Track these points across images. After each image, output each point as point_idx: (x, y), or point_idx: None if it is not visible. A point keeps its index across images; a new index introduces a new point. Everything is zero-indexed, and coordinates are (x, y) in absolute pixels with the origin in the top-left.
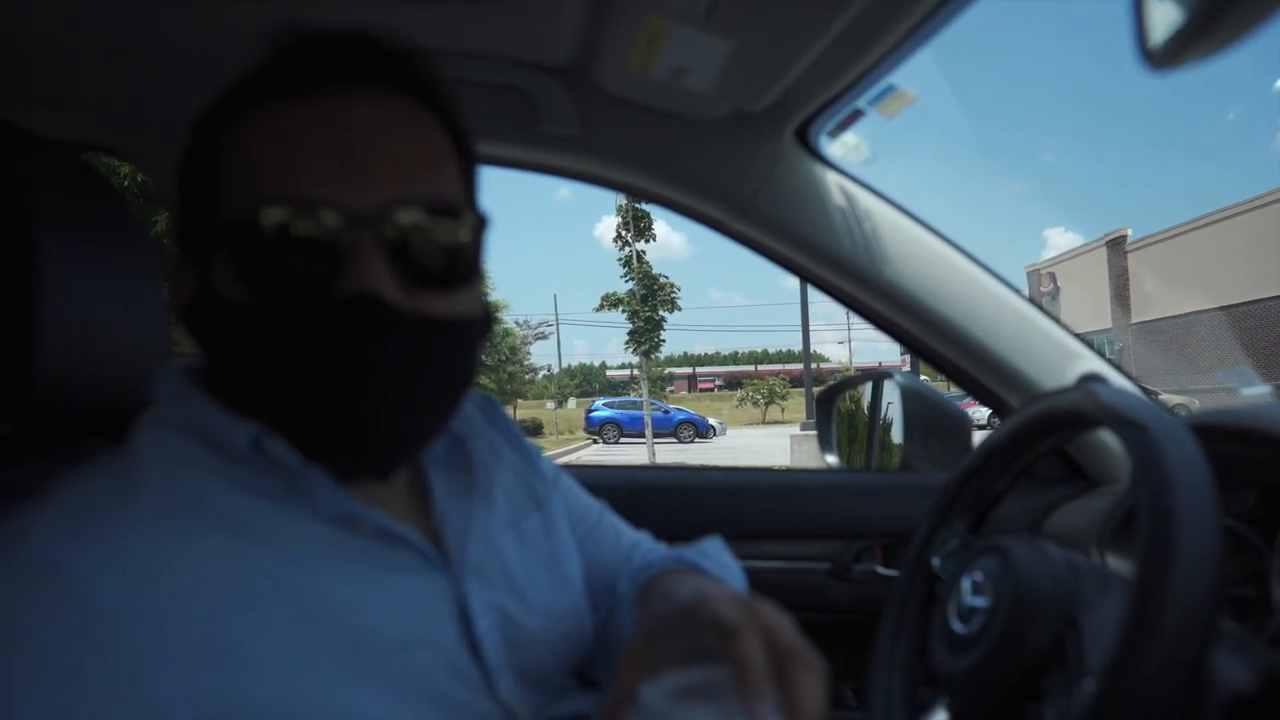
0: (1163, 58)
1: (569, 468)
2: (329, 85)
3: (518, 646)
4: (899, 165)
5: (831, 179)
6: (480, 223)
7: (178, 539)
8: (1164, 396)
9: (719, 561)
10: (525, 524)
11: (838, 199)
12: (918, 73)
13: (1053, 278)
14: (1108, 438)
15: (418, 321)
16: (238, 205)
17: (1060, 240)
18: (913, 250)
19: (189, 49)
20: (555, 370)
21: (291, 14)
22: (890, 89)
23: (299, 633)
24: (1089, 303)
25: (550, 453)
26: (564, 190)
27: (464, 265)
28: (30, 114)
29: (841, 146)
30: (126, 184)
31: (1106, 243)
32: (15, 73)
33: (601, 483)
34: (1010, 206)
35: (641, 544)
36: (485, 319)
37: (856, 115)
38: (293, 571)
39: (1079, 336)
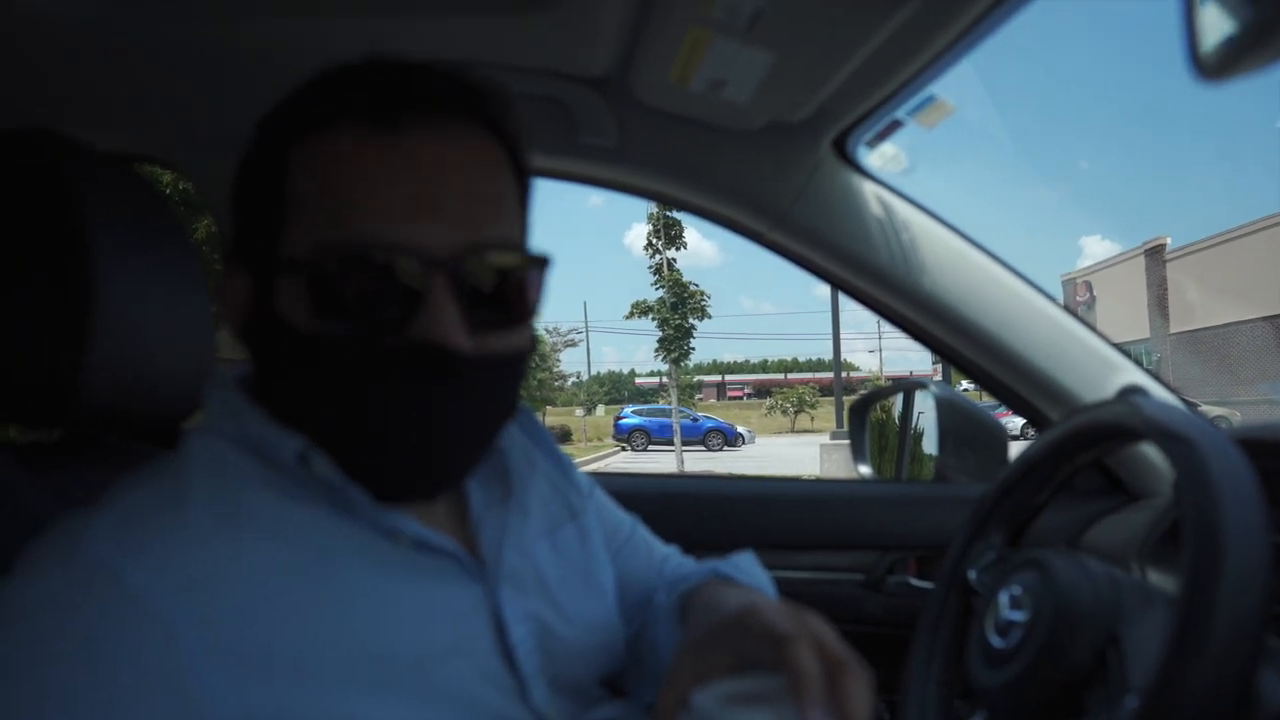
0: (1214, 69)
1: (598, 476)
2: (411, 120)
3: (551, 655)
4: (932, 172)
5: (869, 189)
6: (543, 262)
7: (226, 550)
8: (1204, 408)
9: (751, 574)
10: (560, 534)
11: (875, 209)
12: (952, 77)
13: (1089, 287)
14: (1149, 450)
15: (482, 365)
16: (314, 239)
17: (1097, 248)
18: (950, 260)
19: (232, 61)
20: (584, 377)
21: (333, 30)
22: (930, 99)
23: (340, 645)
24: (1126, 312)
25: (579, 459)
26: (595, 198)
27: (527, 304)
28: (77, 126)
29: (879, 157)
30: (168, 192)
31: (1145, 251)
32: (63, 87)
33: (631, 491)
34: (1045, 214)
35: (672, 558)
36: (533, 346)
37: (895, 126)
38: (335, 583)
39: (1117, 347)
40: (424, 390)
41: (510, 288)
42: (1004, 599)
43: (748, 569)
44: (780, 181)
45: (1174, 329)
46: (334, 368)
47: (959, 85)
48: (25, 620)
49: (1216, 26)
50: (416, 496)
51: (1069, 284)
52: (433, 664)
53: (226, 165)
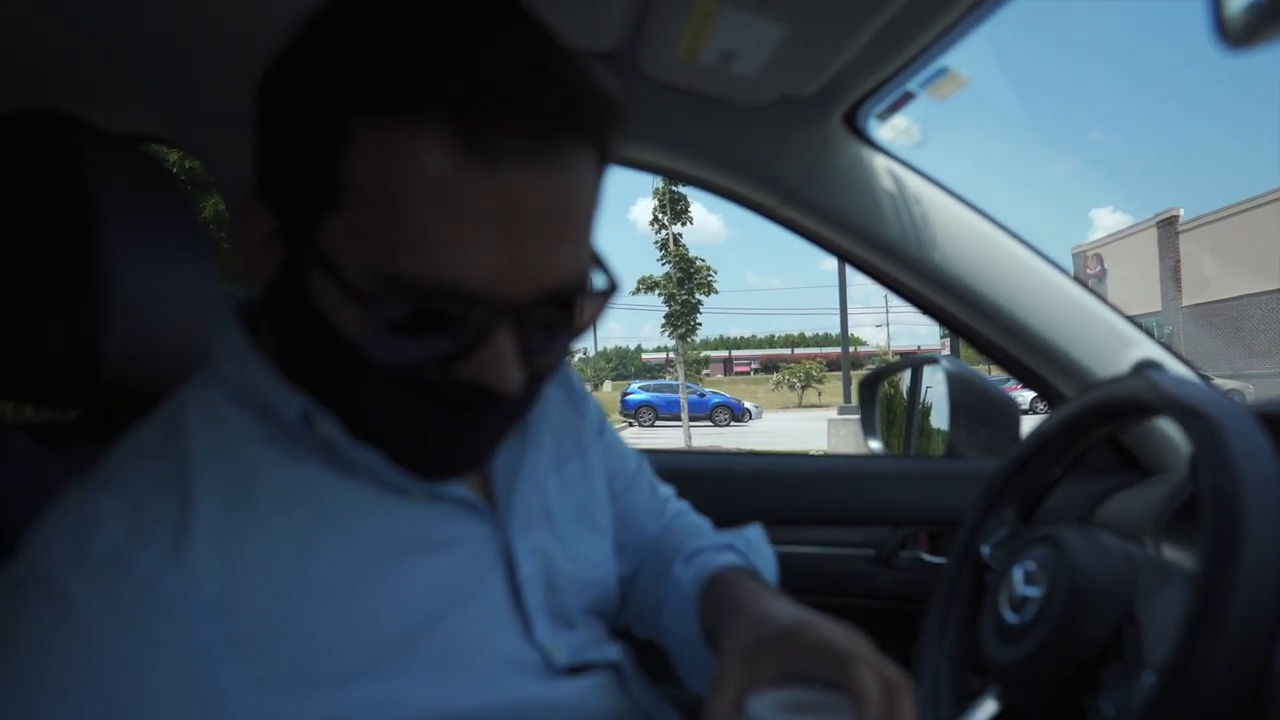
0: (1239, 36)
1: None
2: (515, 149)
3: (554, 590)
4: (942, 144)
5: (880, 163)
6: (613, 288)
7: (234, 532)
8: (1218, 381)
9: (760, 551)
10: (567, 467)
11: (886, 183)
12: (964, 47)
13: (1099, 259)
14: (1162, 425)
15: (529, 390)
16: (370, 259)
17: (1108, 220)
18: (962, 234)
19: (236, 38)
20: (591, 353)
21: None
22: (942, 71)
23: (355, 608)
24: (1138, 285)
25: None
26: None
27: (583, 327)
28: (84, 107)
29: (891, 130)
30: (175, 170)
31: (1157, 223)
32: (69, 67)
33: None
34: (1055, 186)
35: (671, 499)
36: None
37: (907, 98)
38: (346, 547)
39: (1131, 321)
40: (469, 422)
41: (573, 318)
42: (1018, 574)
43: (757, 544)
44: (791, 156)
45: (1187, 302)
46: (372, 384)
47: (971, 56)
48: (28, 606)
49: None
50: (437, 481)
51: (1079, 257)
52: (447, 614)
53: (234, 143)
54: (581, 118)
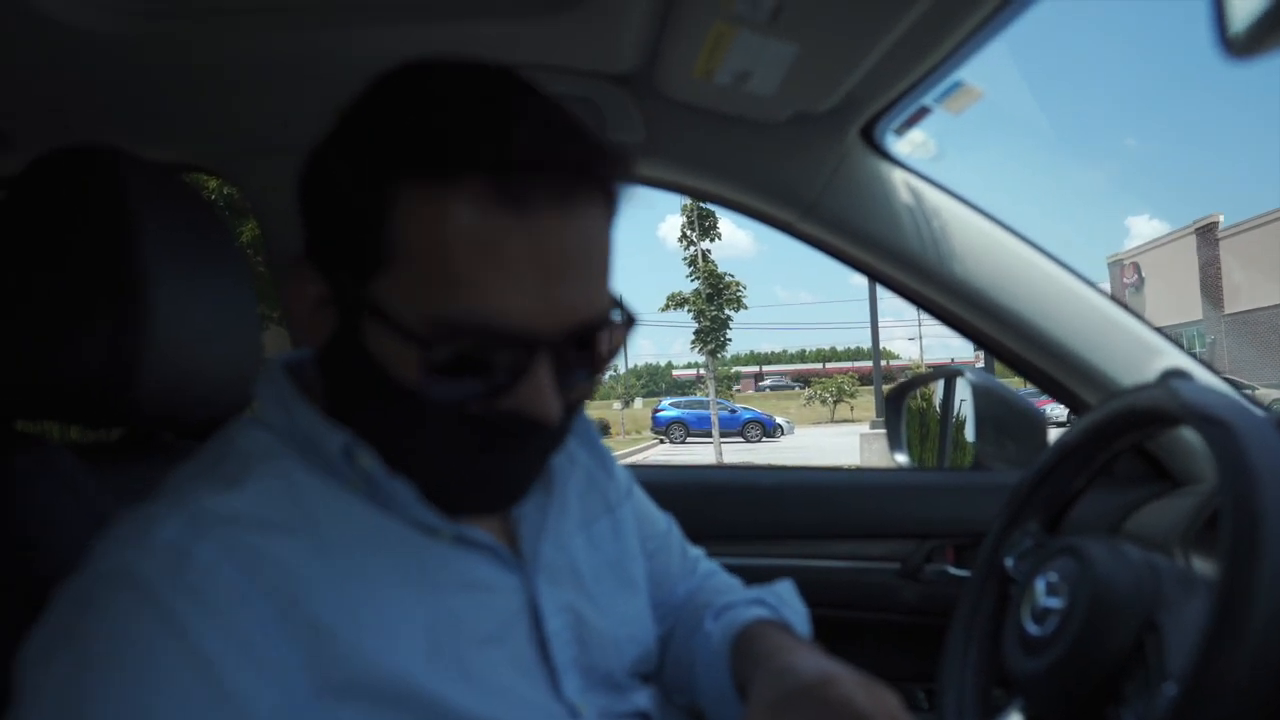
0: (1243, 45)
1: (637, 467)
2: (543, 199)
3: (585, 646)
4: (966, 157)
5: (898, 177)
6: (631, 322)
7: (281, 542)
8: (1261, 391)
9: (791, 605)
10: (595, 527)
11: (905, 197)
12: (986, 58)
13: (1136, 268)
14: (1191, 436)
15: (564, 422)
16: (421, 306)
17: (1144, 228)
18: (983, 246)
19: (270, 69)
20: (621, 371)
21: (365, 36)
22: (957, 84)
23: (382, 640)
24: (1176, 294)
25: (618, 453)
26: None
27: (611, 358)
28: (124, 139)
29: (908, 144)
30: (213, 197)
31: (1196, 230)
32: (110, 101)
33: (670, 482)
34: (1089, 195)
35: (702, 559)
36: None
37: (923, 112)
38: (380, 574)
39: (1165, 330)
40: (512, 454)
41: (601, 349)
42: (1040, 586)
43: (788, 598)
44: (808, 171)
45: (1228, 310)
46: (424, 422)
47: (993, 68)
48: (100, 599)
49: (1245, 3)
50: (475, 514)
51: (1115, 266)
52: (469, 655)
53: (271, 171)
54: (596, 170)
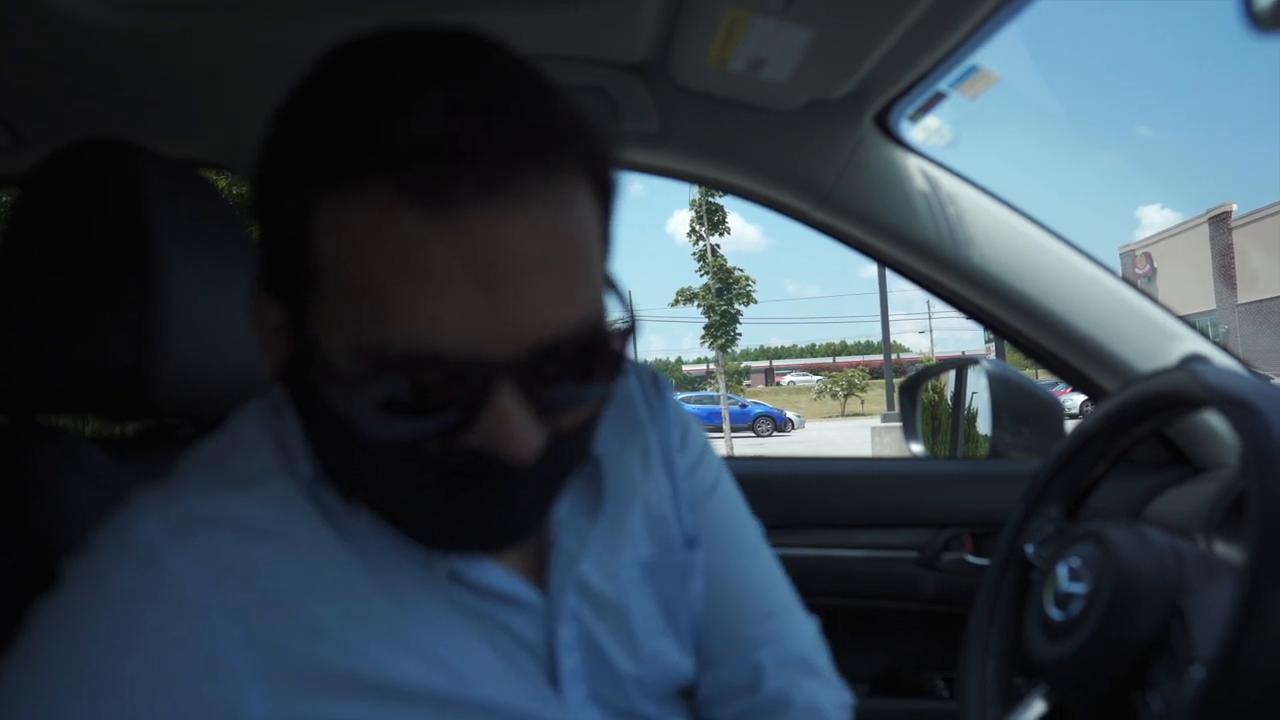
0: (1269, 20)
1: None
2: (468, 196)
3: (604, 683)
4: (980, 143)
5: (913, 164)
6: (631, 327)
7: (264, 555)
8: (1278, 380)
9: None
10: (660, 562)
11: (920, 184)
12: (998, 45)
13: (1149, 258)
14: (1213, 420)
15: (554, 455)
16: (347, 338)
17: (1156, 218)
18: (999, 233)
19: (280, 63)
20: None
21: (375, 23)
22: (973, 69)
23: (379, 662)
24: (1189, 284)
25: None
26: (636, 185)
27: (609, 368)
28: (137, 135)
29: (923, 130)
30: (223, 195)
31: (1209, 219)
32: (124, 97)
33: None
34: (1100, 184)
35: (780, 632)
36: (612, 390)
37: (938, 98)
38: (379, 590)
39: (1181, 317)
40: (489, 496)
41: (589, 360)
42: (1062, 571)
43: None
44: (823, 159)
45: (1242, 299)
46: (377, 465)
47: (1006, 53)
48: (70, 595)
49: None
50: (473, 555)
51: (1128, 256)
52: (475, 682)
53: None
54: (541, 152)
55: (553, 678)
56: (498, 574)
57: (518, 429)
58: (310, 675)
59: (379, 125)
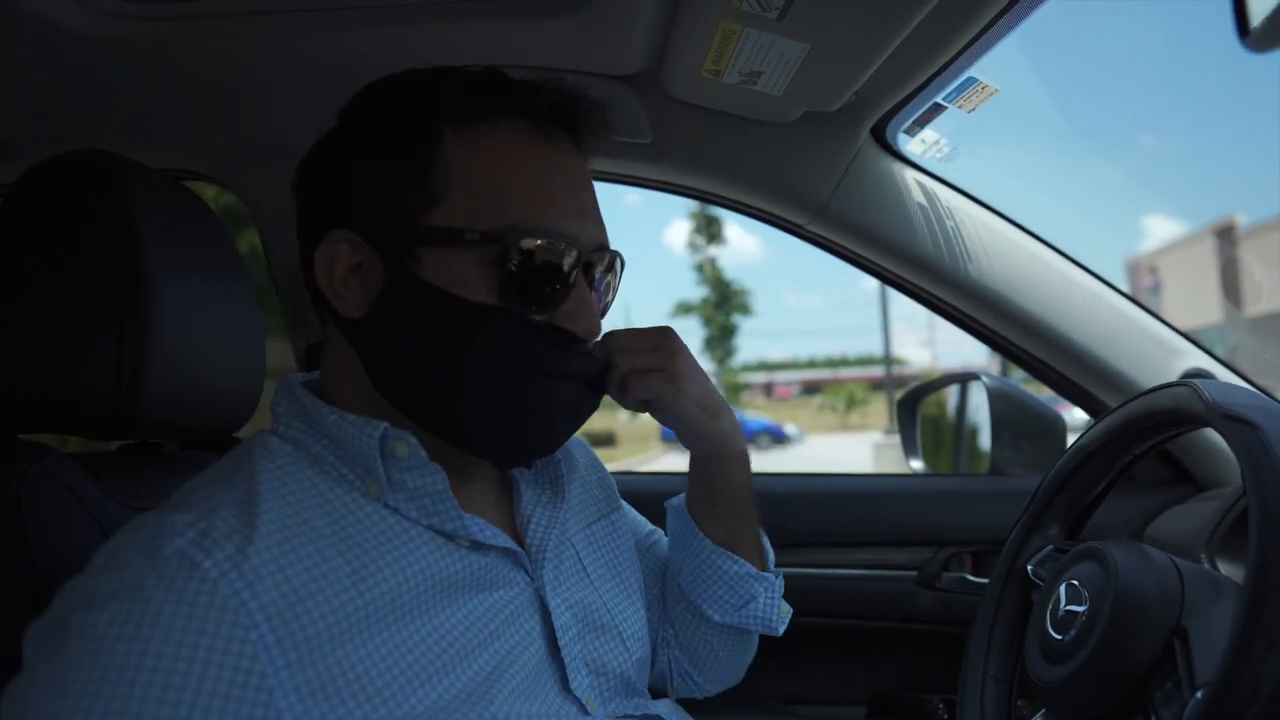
0: (1262, 38)
1: (650, 474)
2: (563, 135)
3: (592, 642)
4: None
5: (910, 177)
6: (621, 261)
7: (292, 547)
8: None
9: None
10: (595, 526)
11: (917, 197)
12: (997, 56)
13: (1153, 270)
14: (1216, 437)
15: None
16: (483, 219)
17: (1161, 229)
18: (998, 247)
19: (271, 75)
20: None
21: (369, 40)
22: (970, 81)
23: (403, 634)
24: (1195, 296)
25: (625, 462)
26: (632, 196)
27: (612, 294)
28: (123, 146)
29: (920, 143)
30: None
31: (1214, 231)
32: (110, 108)
33: (682, 490)
34: (1103, 195)
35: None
36: None
37: (936, 110)
38: (399, 579)
39: (1184, 333)
40: (564, 381)
41: (609, 274)
42: (1062, 591)
43: None
44: (819, 172)
45: (1249, 312)
46: (488, 343)
47: (1005, 64)
48: (109, 608)
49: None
50: (519, 464)
51: (1132, 268)
52: (480, 651)
53: (270, 178)
54: (598, 128)
55: (552, 641)
56: (500, 537)
57: (593, 303)
58: (341, 664)
59: (512, 87)
